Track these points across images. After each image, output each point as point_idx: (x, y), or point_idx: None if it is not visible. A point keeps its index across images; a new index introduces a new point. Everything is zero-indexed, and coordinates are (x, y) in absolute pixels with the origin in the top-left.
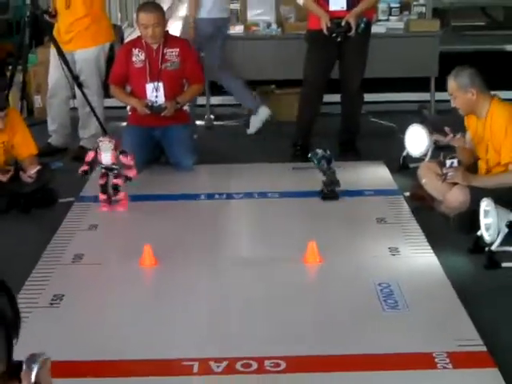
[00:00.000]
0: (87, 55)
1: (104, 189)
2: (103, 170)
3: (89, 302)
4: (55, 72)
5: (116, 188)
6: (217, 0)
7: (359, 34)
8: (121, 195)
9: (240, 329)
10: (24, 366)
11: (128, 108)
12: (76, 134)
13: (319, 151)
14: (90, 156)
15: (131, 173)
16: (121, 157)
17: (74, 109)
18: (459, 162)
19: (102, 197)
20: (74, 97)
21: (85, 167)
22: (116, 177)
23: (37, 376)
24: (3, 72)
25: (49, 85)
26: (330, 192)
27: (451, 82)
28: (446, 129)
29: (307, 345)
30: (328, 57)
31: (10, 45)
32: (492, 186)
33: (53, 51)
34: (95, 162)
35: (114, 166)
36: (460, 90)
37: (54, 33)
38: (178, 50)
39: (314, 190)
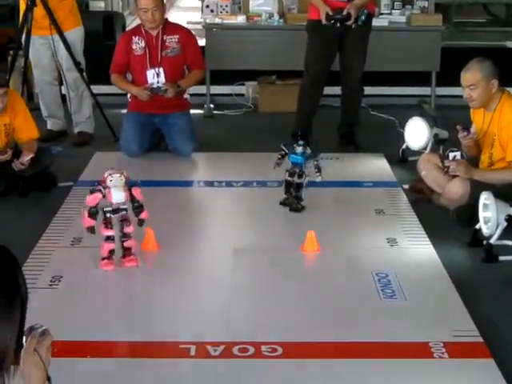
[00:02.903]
0: (77, 35)
1: (111, 238)
2: (108, 215)
3: (87, 283)
4: (43, 58)
5: (127, 237)
6: None
7: (360, 27)
8: (131, 243)
9: (238, 314)
10: (25, 333)
11: (128, 95)
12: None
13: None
14: (94, 199)
15: (144, 214)
16: (134, 191)
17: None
18: (462, 155)
19: (109, 246)
20: (61, 83)
21: (90, 222)
22: (124, 220)
23: (37, 346)
24: (4, 57)
25: (36, 72)
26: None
27: (475, 72)
28: (458, 127)
29: (304, 331)
30: (329, 48)
31: (12, 30)
32: (494, 182)
33: (31, 38)
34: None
35: (123, 207)
36: (483, 80)
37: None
38: (177, 36)
39: (312, 179)
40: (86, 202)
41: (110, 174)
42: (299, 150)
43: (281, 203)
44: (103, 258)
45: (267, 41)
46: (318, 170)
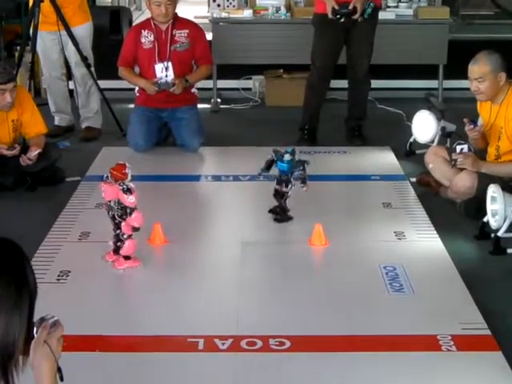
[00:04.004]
0: (85, 31)
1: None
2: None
3: (95, 278)
4: (51, 53)
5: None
6: None
7: (366, 20)
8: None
9: (246, 308)
10: (36, 324)
11: (136, 90)
12: (77, 112)
13: (287, 156)
14: (134, 199)
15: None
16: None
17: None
18: (469, 148)
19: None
20: (69, 78)
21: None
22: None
23: (48, 337)
24: (11, 53)
25: (44, 67)
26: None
27: (483, 65)
28: (465, 120)
29: (312, 325)
30: (335, 42)
31: (18, 26)
32: (501, 174)
33: (39, 33)
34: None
35: None
36: (492, 72)
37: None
38: (187, 31)
39: (320, 173)
40: (129, 203)
41: (129, 169)
42: (287, 157)
43: (269, 211)
44: (127, 257)
45: (274, 35)
46: (303, 180)
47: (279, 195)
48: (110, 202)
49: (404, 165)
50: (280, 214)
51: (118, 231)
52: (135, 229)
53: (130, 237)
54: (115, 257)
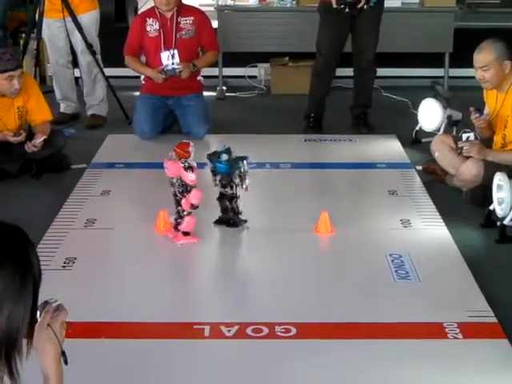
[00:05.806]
0: (92, 19)
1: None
2: None
3: (101, 265)
4: (58, 40)
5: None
6: None
7: (372, 8)
8: None
9: (251, 295)
10: (39, 308)
11: (142, 77)
12: (83, 99)
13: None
14: (194, 176)
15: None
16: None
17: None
18: (475, 136)
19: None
20: (75, 65)
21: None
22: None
23: (51, 321)
24: (16, 40)
25: (51, 54)
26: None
27: (487, 53)
28: (471, 108)
29: (318, 312)
30: (340, 30)
31: (23, 13)
32: (507, 163)
33: (46, 21)
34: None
35: None
36: (497, 60)
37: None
38: (192, 18)
39: (326, 161)
40: (189, 181)
41: (193, 147)
42: (224, 157)
43: (214, 222)
44: (186, 233)
45: (280, 22)
46: (240, 179)
47: (226, 199)
48: (172, 178)
49: (410, 153)
50: (233, 217)
51: (179, 208)
52: (194, 206)
53: (189, 214)
54: (175, 233)
